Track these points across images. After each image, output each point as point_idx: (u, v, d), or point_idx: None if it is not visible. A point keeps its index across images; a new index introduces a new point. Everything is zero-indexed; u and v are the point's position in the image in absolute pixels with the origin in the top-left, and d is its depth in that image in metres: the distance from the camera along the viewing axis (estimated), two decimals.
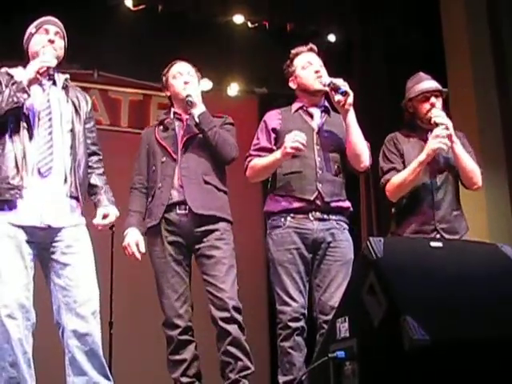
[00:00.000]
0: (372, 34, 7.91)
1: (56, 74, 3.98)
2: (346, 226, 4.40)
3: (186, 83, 4.47)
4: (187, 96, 4.38)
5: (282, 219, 4.29)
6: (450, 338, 2.59)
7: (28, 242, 3.71)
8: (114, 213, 4.01)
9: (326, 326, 4.04)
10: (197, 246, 4.31)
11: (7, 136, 3.75)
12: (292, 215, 4.27)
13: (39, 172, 3.74)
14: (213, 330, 4.26)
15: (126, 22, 7.05)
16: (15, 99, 3.70)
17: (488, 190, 6.49)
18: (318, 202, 4.26)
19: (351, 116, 4.31)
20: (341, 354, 2.97)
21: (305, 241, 4.25)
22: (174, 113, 4.55)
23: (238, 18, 7.44)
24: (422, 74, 4.67)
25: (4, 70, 3.96)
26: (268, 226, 4.40)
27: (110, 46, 7.16)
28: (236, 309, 4.20)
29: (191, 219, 4.27)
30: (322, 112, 4.48)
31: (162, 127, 4.53)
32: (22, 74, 3.82)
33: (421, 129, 4.62)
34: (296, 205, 4.27)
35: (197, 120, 4.34)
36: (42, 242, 3.76)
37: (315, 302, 4.28)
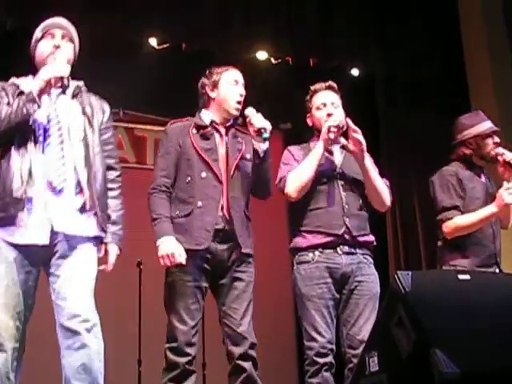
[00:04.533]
0: (395, 68, 7.93)
1: (69, 82, 3.77)
2: (371, 259, 4.38)
3: (241, 95, 4.28)
4: (263, 129, 4.10)
5: (311, 254, 4.25)
6: (479, 370, 2.57)
7: (30, 263, 3.53)
8: (114, 252, 3.76)
9: (354, 361, 4.05)
10: (221, 275, 4.14)
11: (13, 149, 3.54)
12: (320, 250, 4.24)
13: (51, 186, 3.52)
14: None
15: (150, 60, 7.12)
16: (24, 111, 3.50)
17: None
18: (346, 237, 4.25)
19: (366, 161, 4.31)
20: None
21: (333, 275, 4.22)
22: (212, 121, 4.26)
23: (262, 55, 7.48)
24: (481, 113, 4.77)
25: (11, 80, 3.77)
26: (295, 261, 4.36)
27: (135, 84, 7.22)
28: (253, 345, 4.10)
29: (227, 249, 4.11)
30: (340, 148, 4.47)
31: (198, 133, 4.21)
32: (30, 84, 3.62)
33: (477, 167, 4.70)
34: (324, 240, 4.25)
35: (261, 155, 4.15)
36: (44, 256, 3.54)
37: (343, 337, 4.24)
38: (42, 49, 3.77)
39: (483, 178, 4.70)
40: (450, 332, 2.70)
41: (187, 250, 3.99)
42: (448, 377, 2.49)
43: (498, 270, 4.50)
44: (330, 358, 4.14)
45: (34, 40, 3.83)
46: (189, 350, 4.01)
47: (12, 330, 3.47)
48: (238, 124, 4.34)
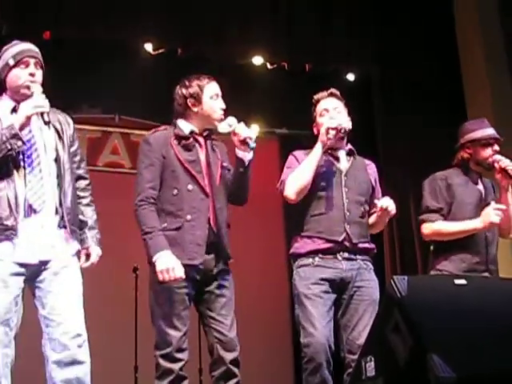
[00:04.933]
0: (391, 73, 7.93)
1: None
2: (371, 266, 4.39)
3: (223, 110, 4.22)
4: (249, 139, 4.06)
5: (311, 259, 4.26)
6: (475, 374, 2.57)
7: (17, 274, 3.61)
8: (96, 253, 3.88)
9: (352, 365, 3.99)
10: (208, 283, 4.13)
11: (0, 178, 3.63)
12: (320, 255, 4.25)
13: (31, 208, 3.65)
14: None
15: (146, 65, 7.13)
16: (9, 146, 3.58)
17: None
18: (346, 243, 4.26)
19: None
20: None
21: (333, 280, 4.22)
22: (192, 131, 4.22)
23: (257, 60, 7.48)
24: (485, 119, 4.81)
25: None
26: (295, 266, 4.36)
27: (131, 90, 7.23)
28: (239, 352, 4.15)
29: (213, 260, 4.13)
30: (347, 155, 4.47)
31: (180, 144, 4.16)
32: (8, 115, 3.71)
33: (473, 172, 4.72)
34: (324, 246, 4.26)
35: (246, 163, 4.14)
36: (32, 274, 3.67)
37: (343, 342, 4.24)
38: (17, 76, 3.80)
39: (480, 185, 4.72)
40: (445, 336, 2.70)
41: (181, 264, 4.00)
42: (444, 381, 2.49)
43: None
44: (328, 356, 4.12)
45: (4, 64, 3.84)
46: (181, 355, 3.99)
47: (1, 336, 3.53)
48: (212, 132, 4.31)
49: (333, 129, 4.24)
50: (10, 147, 3.58)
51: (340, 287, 4.25)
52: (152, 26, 6.98)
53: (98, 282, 6.98)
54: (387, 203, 4.25)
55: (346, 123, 4.35)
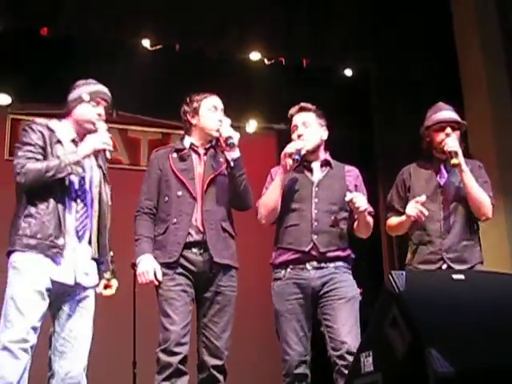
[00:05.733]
0: (388, 67, 7.92)
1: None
2: (346, 269, 4.47)
3: (220, 121, 4.41)
4: (229, 137, 4.30)
5: (283, 271, 4.41)
6: (474, 368, 2.57)
7: (50, 293, 3.83)
8: (115, 285, 4.19)
9: (339, 362, 4.19)
10: (204, 288, 4.32)
11: (52, 197, 3.84)
12: (291, 267, 4.39)
13: (77, 235, 3.91)
14: None
15: (143, 61, 7.12)
16: (69, 169, 3.82)
17: (509, 221, 6.47)
18: (314, 253, 4.37)
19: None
20: None
21: (304, 290, 4.35)
22: (191, 144, 4.49)
23: (255, 55, 7.49)
24: (441, 103, 4.71)
25: (44, 122, 4.03)
26: (272, 277, 4.51)
27: (129, 85, 7.22)
28: (226, 359, 4.30)
29: (206, 261, 4.28)
30: (321, 166, 4.57)
31: (177, 156, 4.44)
32: (71, 145, 3.97)
33: (436, 159, 4.67)
34: (293, 256, 4.39)
35: (231, 164, 4.33)
36: (60, 294, 3.90)
37: (327, 342, 4.34)
38: (87, 111, 4.06)
39: (442, 173, 4.64)
40: (444, 331, 2.70)
41: (163, 263, 4.27)
42: (442, 376, 2.49)
43: (445, 267, 4.45)
44: (301, 369, 4.31)
45: (75, 97, 4.09)
46: (179, 349, 4.14)
47: (34, 341, 3.76)
48: (217, 145, 4.50)
49: (289, 156, 4.35)
50: (70, 171, 3.84)
51: (312, 295, 4.37)
52: (150, 22, 6.98)
53: None
54: (352, 196, 4.32)
55: (310, 141, 4.49)
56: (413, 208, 4.42)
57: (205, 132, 4.46)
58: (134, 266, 4.33)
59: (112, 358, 6.83)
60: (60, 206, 3.85)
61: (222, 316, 4.30)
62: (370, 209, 4.42)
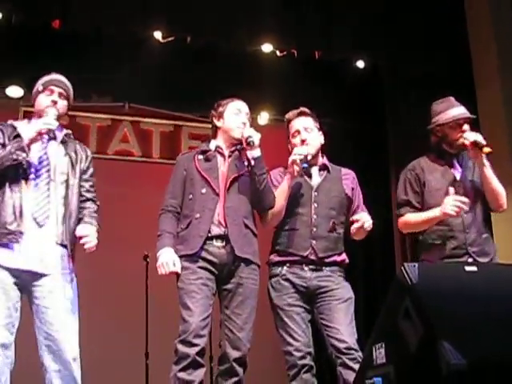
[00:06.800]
0: (401, 59, 7.89)
1: (57, 132, 4.18)
2: (341, 273, 4.54)
3: (244, 124, 4.51)
4: (249, 137, 4.37)
5: (280, 268, 4.50)
6: (486, 361, 2.57)
7: (15, 283, 3.87)
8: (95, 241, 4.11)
9: (343, 356, 4.23)
10: (226, 280, 4.35)
11: (7, 185, 3.93)
12: (288, 265, 4.48)
13: (36, 221, 3.93)
14: None
15: (155, 54, 7.13)
16: (14, 156, 3.91)
17: None
18: (312, 257, 4.45)
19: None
20: (378, 380, 2.96)
21: (300, 289, 4.43)
22: (217, 146, 4.56)
23: (267, 47, 7.46)
24: (452, 99, 4.68)
25: (10, 122, 4.19)
26: (268, 275, 4.57)
27: (140, 78, 7.24)
28: (247, 352, 4.30)
29: (229, 253, 4.30)
30: (320, 170, 4.65)
31: (202, 157, 4.52)
32: (24, 130, 4.05)
33: (448, 154, 4.65)
34: (291, 258, 4.47)
35: (252, 162, 4.39)
36: (27, 284, 3.91)
37: (326, 341, 4.38)
38: (41, 101, 4.21)
39: (456, 166, 4.64)
40: (456, 323, 2.71)
41: (185, 256, 4.30)
42: (455, 368, 2.49)
43: (470, 260, 4.42)
44: (307, 361, 4.34)
45: (35, 90, 4.27)
46: (198, 340, 4.16)
47: (0, 340, 3.80)
48: (242, 149, 4.54)
49: (296, 163, 4.40)
50: (15, 157, 3.92)
51: (308, 294, 4.44)
52: (161, 14, 6.97)
53: (108, 270, 7.02)
54: (363, 221, 4.41)
55: (313, 146, 4.57)
56: (451, 208, 4.34)
57: (229, 134, 4.54)
58: (146, 257, 4.33)
59: (124, 350, 6.86)
60: (15, 195, 3.91)
61: (244, 308, 4.31)
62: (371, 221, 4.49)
